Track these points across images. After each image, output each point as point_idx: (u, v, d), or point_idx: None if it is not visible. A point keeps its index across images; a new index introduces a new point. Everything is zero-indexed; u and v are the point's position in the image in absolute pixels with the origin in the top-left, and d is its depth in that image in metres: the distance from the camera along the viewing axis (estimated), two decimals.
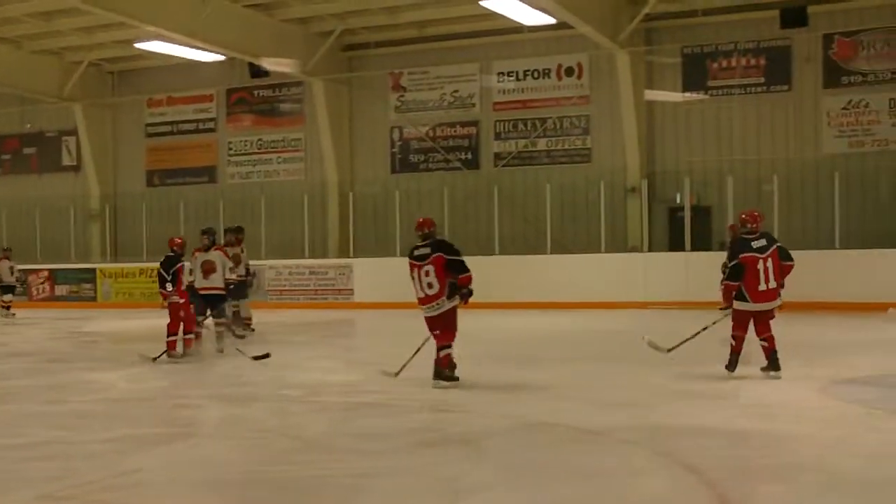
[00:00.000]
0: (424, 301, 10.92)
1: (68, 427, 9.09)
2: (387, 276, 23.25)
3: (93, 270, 26.95)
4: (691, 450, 7.46)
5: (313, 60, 25.11)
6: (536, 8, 19.70)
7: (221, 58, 24.29)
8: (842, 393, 9.81)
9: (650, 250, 22.59)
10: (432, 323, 10.95)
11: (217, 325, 14.04)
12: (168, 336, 13.69)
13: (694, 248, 21.19)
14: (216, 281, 13.88)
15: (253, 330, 16.71)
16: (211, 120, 28.78)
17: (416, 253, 10.96)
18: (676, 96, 23.51)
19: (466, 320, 19.60)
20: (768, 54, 22.78)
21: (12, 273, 23.31)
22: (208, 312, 13.97)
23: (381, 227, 25.64)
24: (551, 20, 20.87)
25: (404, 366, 11.17)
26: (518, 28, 23.03)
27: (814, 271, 19.49)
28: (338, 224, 26.13)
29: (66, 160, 30.58)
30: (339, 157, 26.58)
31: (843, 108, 22.15)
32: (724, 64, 23.20)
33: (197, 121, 28.92)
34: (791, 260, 10.91)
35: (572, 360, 12.80)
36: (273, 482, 6.90)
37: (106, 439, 8.36)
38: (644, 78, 23.52)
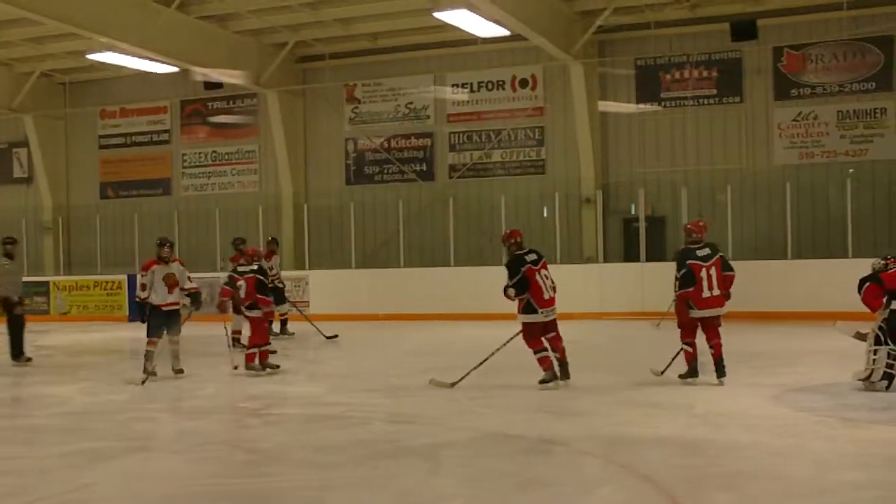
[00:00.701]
0: (550, 303, 11.43)
1: (23, 442, 9.03)
2: (343, 288, 23.33)
3: (46, 283, 26.63)
4: (646, 459, 7.54)
5: (267, 72, 25.04)
6: (490, 20, 19.77)
7: (174, 69, 24.14)
8: (793, 401, 9.94)
9: (605, 261, 22.72)
10: (550, 326, 11.49)
11: (172, 342, 13.09)
12: (250, 348, 13.18)
13: (649, 259, 21.33)
14: (177, 295, 13.02)
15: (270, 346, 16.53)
16: (165, 132, 28.61)
17: (529, 258, 11.38)
18: (630, 107, 23.68)
19: (423, 332, 19.65)
20: (720, 66, 23.03)
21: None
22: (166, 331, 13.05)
23: (336, 238, 25.60)
24: (505, 32, 20.94)
25: (465, 376, 11.46)
26: (472, 40, 23.09)
27: (766, 281, 19.77)
28: (293, 236, 26.05)
29: (18, 172, 30.23)
30: (294, 168, 26.52)
31: (794, 120, 22.42)
32: (677, 76, 23.41)
33: (151, 132, 28.72)
34: (731, 270, 11.39)
35: (528, 371, 12.85)
36: (229, 495, 6.90)
37: (61, 454, 8.31)
38: (598, 89, 23.66)
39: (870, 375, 10.27)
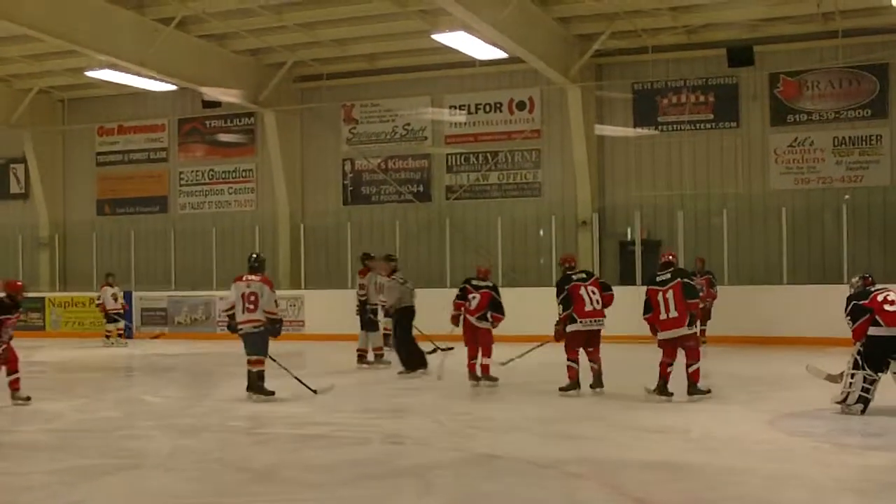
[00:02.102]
0: (590, 314, 12.51)
1: (13, 458, 9.00)
2: (338, 308, 23.20)
3: (41, 299, 26.58)
4: (638, 483, 7.53)
5: (265, 91, 25.09)
6: (488, 42, 19.82)
7: (173, 87, 24.19)
8: (788, 426, 9.93)
9: None
10: (592, 339, 12.63)
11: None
12: (486, 357, 13.63)
13: (645, 282, 21.26)
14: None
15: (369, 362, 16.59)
16: (162, 149, 28.62)
17: (577, 277, 12.67)
18: (627, 131, 23.72)
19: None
20: (716, 91, 23.10)
21: (116, 300, 22.77)
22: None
23: (332, 258, 25.59)
24: (503, 55, 20.99)
25: (513, 359, 13.32)
26: (470, 62, 23.13)
27: (761, 305, 19.77)
28: (289, 255, 26.05)
29: (15, 188, 30.21)
30: (291, 188, 26.54)
31: (789, 146, 22.48)
32: (674, 100, 23.47)
33: (148, 150, 28.73)
34: (694, 298, 11.97)
35: (521, 393, 12.87)
36: None
37: (52, 470, 8.28)
38: (595, 113, 23.71)
39: (846, 398, 10.32)
